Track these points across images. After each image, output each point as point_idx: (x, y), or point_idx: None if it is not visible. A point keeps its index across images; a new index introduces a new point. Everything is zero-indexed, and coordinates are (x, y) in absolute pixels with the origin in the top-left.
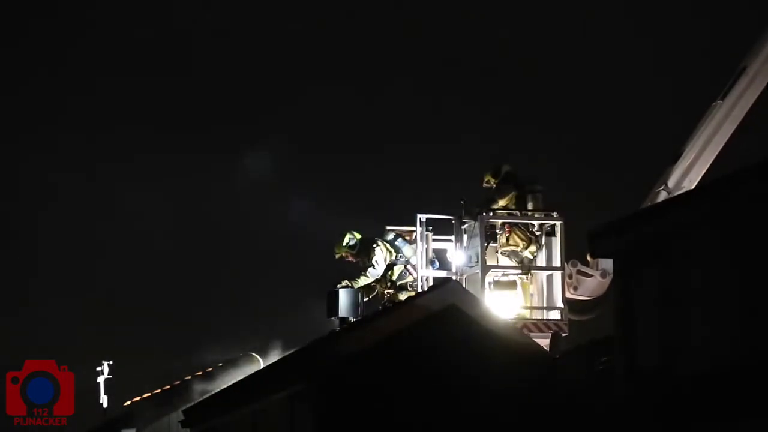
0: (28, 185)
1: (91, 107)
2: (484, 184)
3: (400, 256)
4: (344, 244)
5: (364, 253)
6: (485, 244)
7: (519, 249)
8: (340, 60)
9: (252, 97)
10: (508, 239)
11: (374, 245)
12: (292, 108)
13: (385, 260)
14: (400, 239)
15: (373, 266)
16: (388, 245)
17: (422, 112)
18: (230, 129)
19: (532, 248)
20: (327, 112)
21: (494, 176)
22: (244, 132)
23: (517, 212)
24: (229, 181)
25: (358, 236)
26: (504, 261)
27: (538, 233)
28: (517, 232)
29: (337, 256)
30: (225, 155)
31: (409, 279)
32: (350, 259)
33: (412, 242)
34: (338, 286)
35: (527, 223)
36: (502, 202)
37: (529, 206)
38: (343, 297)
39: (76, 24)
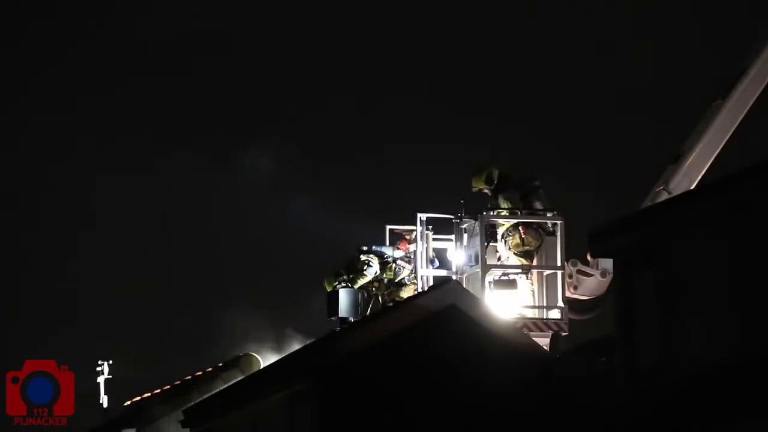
0: (26, 184)
1: (90, 107)
2: (473, 189)
3: (387, 257)
4: (334, 282)
5: (353, 271)
6: (485, 244)
7: (532, 248)
8: (339, 60)
9: (251, 97)
10: (523, 240)
11: (357, 257)
12: (292, 108)
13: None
14: (373, 246)
15: (369, 265)
16: (369, 255)
17: (422, 112)
18: (230, 129)
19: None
20: (326, 112)
21: (488, 183)
22: (244, 133)
23: (518, 211)
24: (229, 181)
25: (341, 270)
26: (513, 260)
27: (551, 231)
28: (531, 232)
29: (330, 289)
30: (226, 155)
31: (405, 273)
32: (343, 285)
33: (411, 241)
34: (338, 286)
35: (539, 222)
36: (509, 205)
37: (538, 205)
38: (343, 297)
39: (77, 24)
